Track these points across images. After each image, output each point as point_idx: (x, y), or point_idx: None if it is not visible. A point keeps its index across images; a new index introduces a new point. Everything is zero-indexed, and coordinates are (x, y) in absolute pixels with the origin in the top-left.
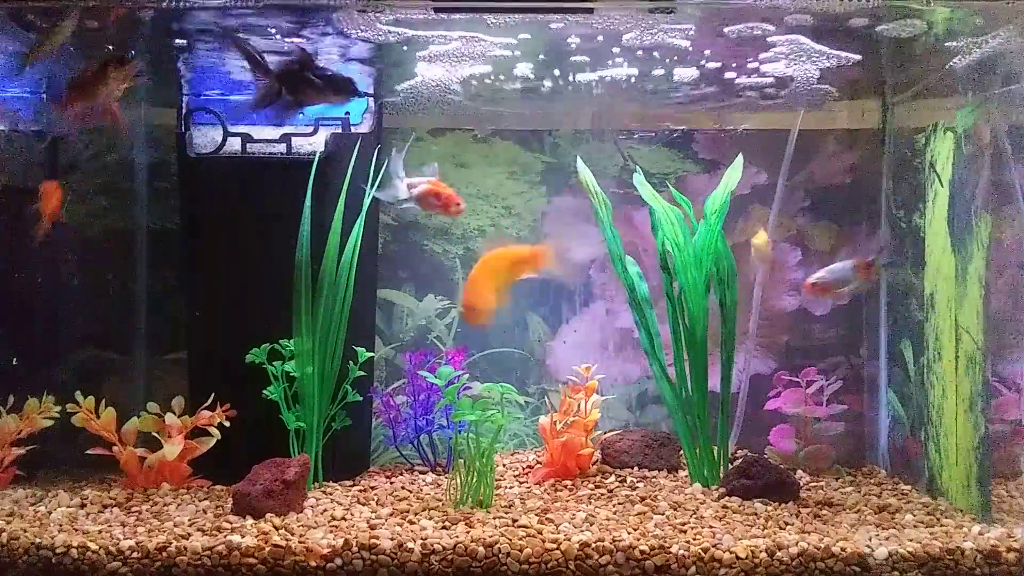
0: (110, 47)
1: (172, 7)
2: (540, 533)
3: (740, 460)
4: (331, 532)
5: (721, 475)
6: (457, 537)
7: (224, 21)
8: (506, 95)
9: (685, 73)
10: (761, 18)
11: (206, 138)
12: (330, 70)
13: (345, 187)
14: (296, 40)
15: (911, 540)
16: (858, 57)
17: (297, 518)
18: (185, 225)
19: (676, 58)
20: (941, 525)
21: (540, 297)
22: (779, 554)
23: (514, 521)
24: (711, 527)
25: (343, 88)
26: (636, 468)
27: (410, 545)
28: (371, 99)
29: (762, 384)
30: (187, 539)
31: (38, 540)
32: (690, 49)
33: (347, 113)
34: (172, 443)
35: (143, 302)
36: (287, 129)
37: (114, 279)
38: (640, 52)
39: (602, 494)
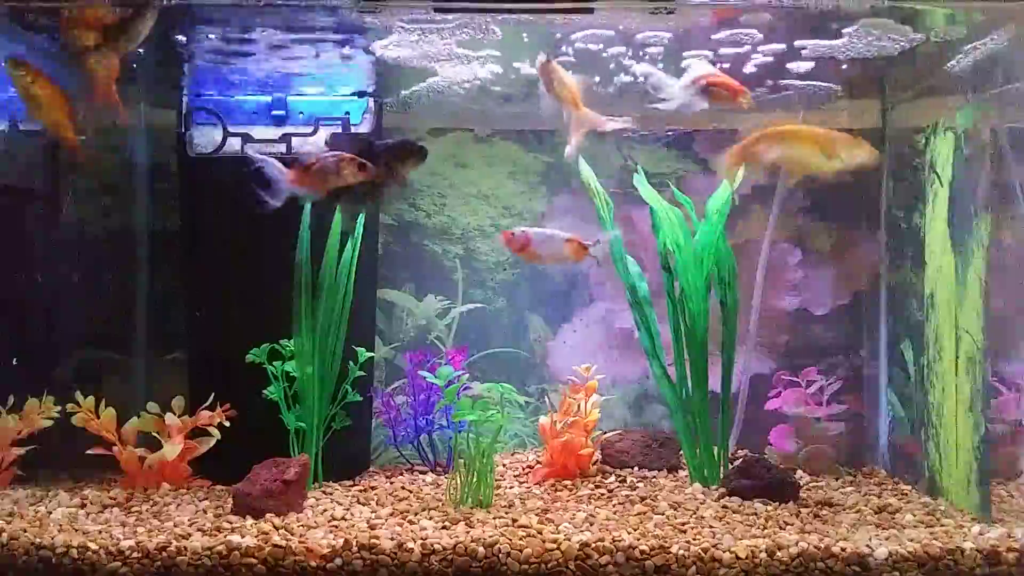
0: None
1: (172, 6)
2: (540, 533)
3: (740, 460)
4: (331, 532)
5: (721, 475)
6: (457, 537)
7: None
8: (516, 95)
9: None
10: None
11: (206, 138)
12: (391, 138)
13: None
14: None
15: (911, 540)
16: (922, 36)
17: (297, 518)
18: (185, 225)
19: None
20: (941, 525)
21: (540, 297)
22: (779, 554)
23: (514, 521)
24: (711, 527)
25: (413, 153)
26: (636, 468)
27: (410, 545)
28: (371, 98)
29: (762, 384)
30: (187, 539)
31: (38, 540)
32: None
33: (347, 113)
34: (172, 443)
35: (143, 302)
36: (287, 129)
37: (114, 279)
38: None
39: (602, 494)
